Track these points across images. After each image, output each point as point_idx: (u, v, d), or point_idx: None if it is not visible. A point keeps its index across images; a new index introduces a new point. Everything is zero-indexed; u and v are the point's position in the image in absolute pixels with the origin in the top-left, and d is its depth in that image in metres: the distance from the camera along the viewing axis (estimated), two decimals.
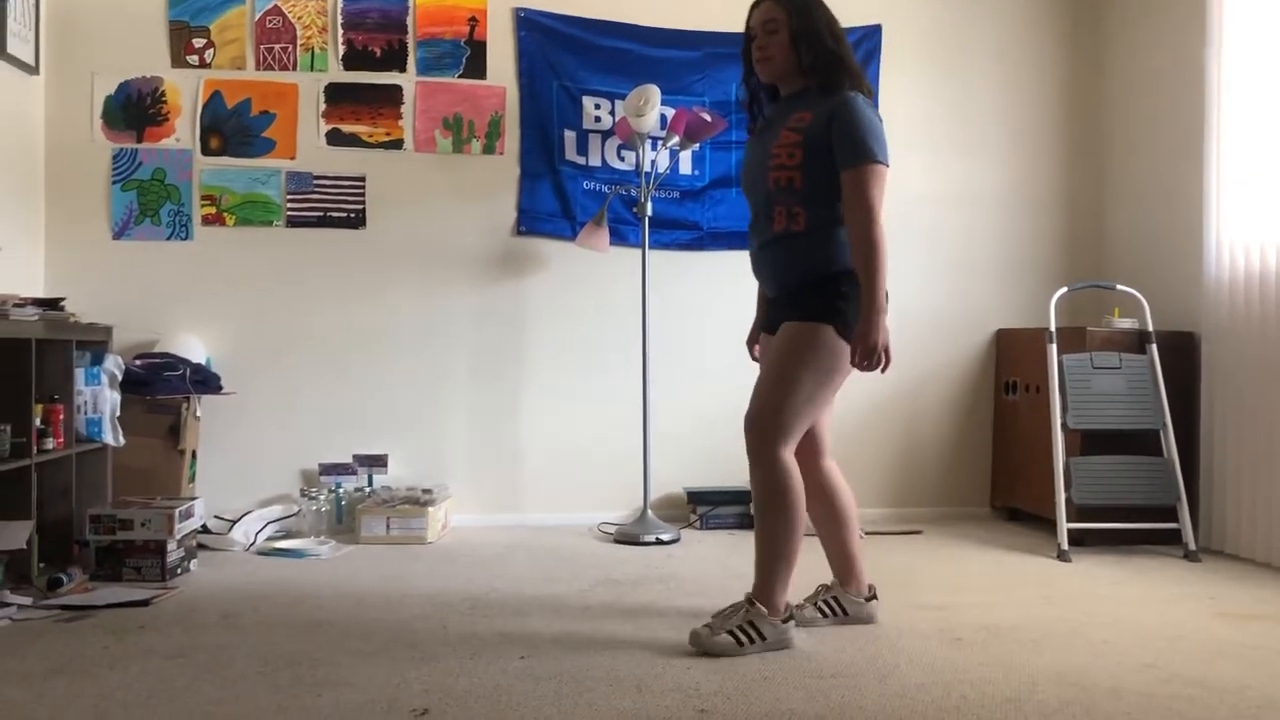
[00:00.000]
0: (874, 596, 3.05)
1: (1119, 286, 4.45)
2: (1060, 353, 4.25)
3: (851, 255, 2.72)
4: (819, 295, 2.75)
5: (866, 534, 4.41)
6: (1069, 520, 4.07)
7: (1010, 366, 4.84)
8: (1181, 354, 4.35)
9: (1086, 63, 5.04)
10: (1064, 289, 4.45)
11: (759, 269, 2.95)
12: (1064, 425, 4.17)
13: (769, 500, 2.76)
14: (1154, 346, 4.24)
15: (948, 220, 4.95)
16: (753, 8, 2.91)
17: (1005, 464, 4.86)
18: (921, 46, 4.92)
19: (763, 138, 2.89)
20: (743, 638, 2.72)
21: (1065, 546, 4.00)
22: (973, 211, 4.97)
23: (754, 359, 3.14)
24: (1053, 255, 5.02)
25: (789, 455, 2.76)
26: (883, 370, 2.72)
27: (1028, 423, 4.63)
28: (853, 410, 4.85)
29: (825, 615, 2.99)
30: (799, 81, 2.86)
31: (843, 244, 2.76)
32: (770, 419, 2.74)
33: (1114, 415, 4.18)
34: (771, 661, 2.67)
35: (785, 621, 2.78)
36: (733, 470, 4.74)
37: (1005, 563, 3.96)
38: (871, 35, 4.84)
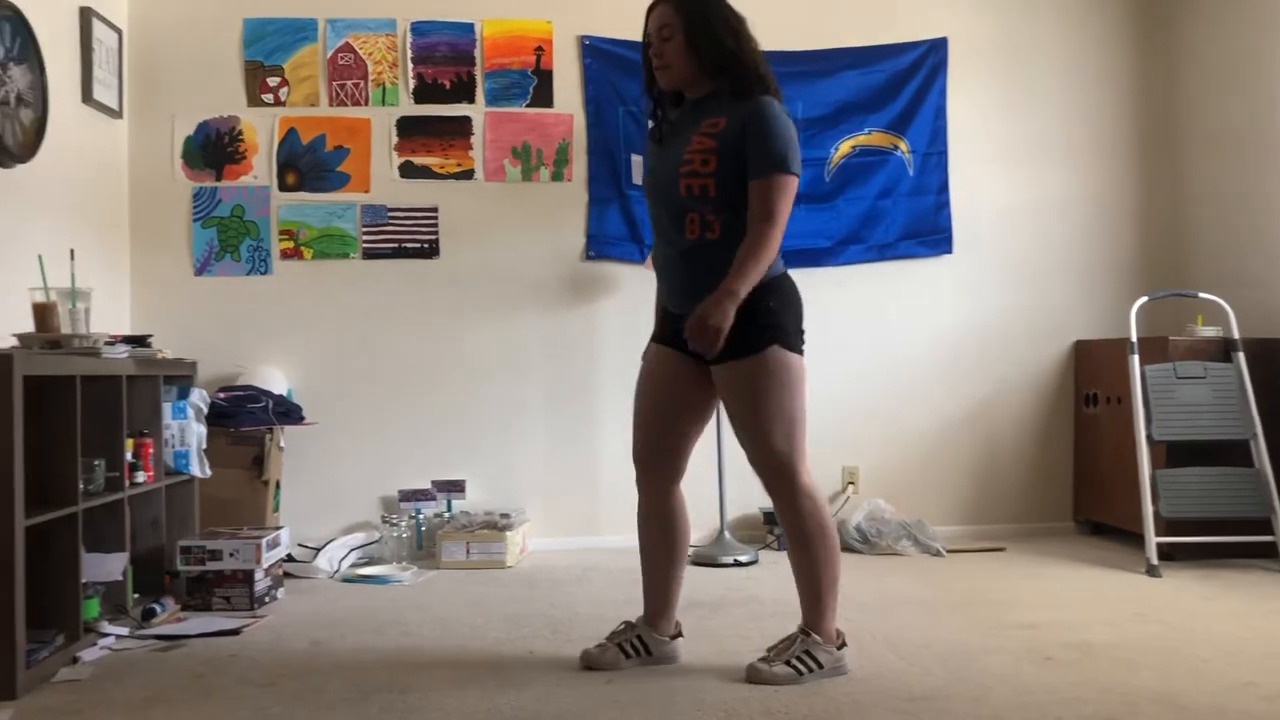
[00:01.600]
0: (679, 634, 2.91)
1: (1201, 294, 4.36)
2: (1142, 363, 4.17)
3: (742, 246, 2.59)
4: (751, 319, 2.61)
5: (949, 551, 4.36)
6: (1157, 534, 3.98)
7: (1090, 378, 4.76)
8: (1270, 361, 4.23)
9: (1159, 64, 4.95)
10: (1144, 298, 4.36)
11: (670, 281, 2.79)
12: (1149, 437, 4.08)
13: (813, 532, 2.70)
14: (1240, 354, 4.14)
15: (1022, 231, 4.88)
16: (649, 11, 2.75)
17: (1088, 477, 4.76)
18: (989, 56, 4.88)
19: (671, 144, 2.75)
20: (801, 667, 2.67)
21: (1155, 561, 3.91)
22: (1047, 221, 4.90)
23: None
24: (1131, 264, 4.93)
25: (810, 477, 2.71)
26: (713, 352, 2.57)
27: (1110, 435, 4.54)
28: (930, 425, 4.80)
29: (629, 656, 2.83)
30: (705, 85, 2.71)
31: None
32: (776, 457, 2.68)
33: (1201, 426, 4.08)
34: (860, 685, 2.64)
35: (840, 648, 2.74)
36: None
37: (1093, 579, 3.88)
38: (939, 48, 4.81)
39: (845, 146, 4.77)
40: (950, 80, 4.83)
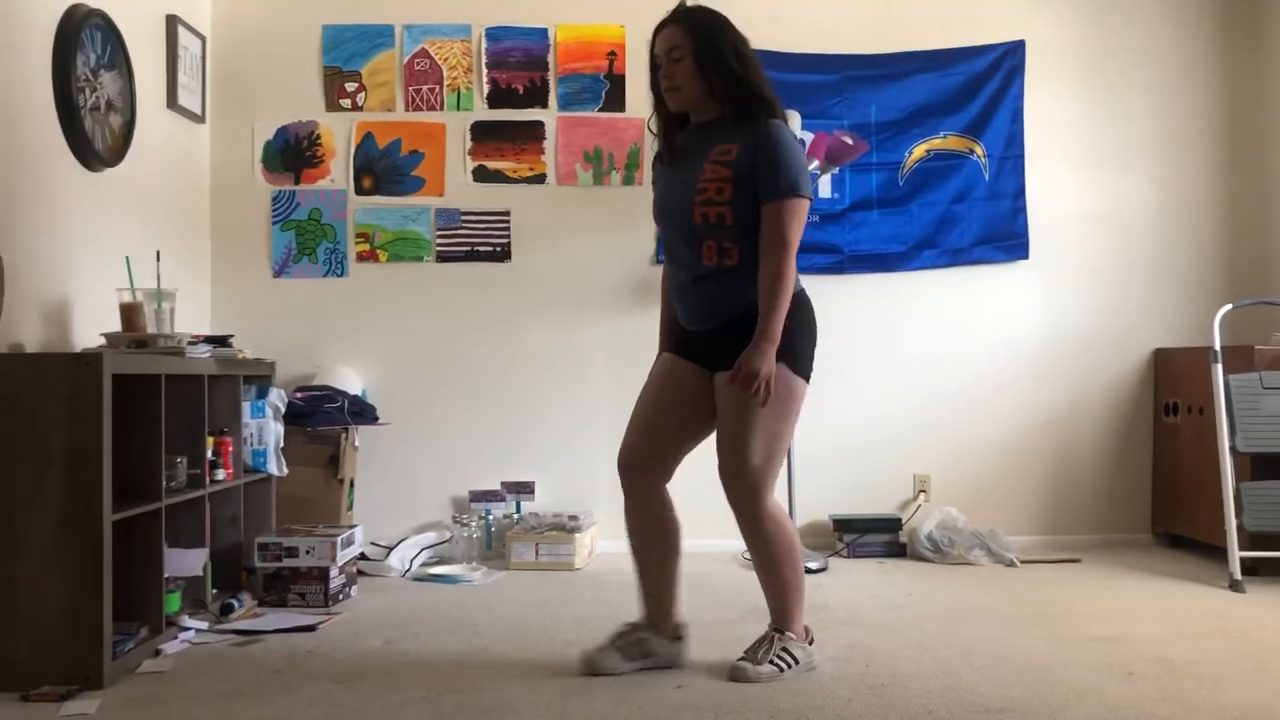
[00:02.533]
0: (681, 637, 2.90)
1: None
2: (1226, 372, 4.06)
3: (759, 281, 2.65)
4: None
5: (1023, 562, 4.29)
6: (1241, 548, 3.87)
7: (1170, 387, 4.65)
8: None
9: (1246, 63, 4.81)
10: (1229, 306, 4.24)
11: (688, 304, 2.80)
12: (1233, 449, 3.97)
13: (774, 548, 2.76)
14: None
15: (1101, 236, 4.79)
16: (655, 33, 2.76)
17: (1167, 489, 4.66)
18: (1068, 58, 4.79)
19: (681, 168, 2.75)
20: (781, 664, 2.75)
21: (1238, 576, 3.81)
22: (1127, 226, 4.80)
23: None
24: (1214, 270, 4.81)
25: (773, 500, 2.75)
26: (763, 403, 2.64)
27: (1191, 446, 4.43)
28: (1004, 433, 4.73)
29: (632, 659, 2.81)
30: (713, 109, 2.73)
31: None
32: (752, 475, 2.69)
33: None
34: (935, 696, 2.61)
35: (810, 643, 2.85)
36: (879, 497, 4.68)
37: (1173, 592, 3.79)
38: (1016, 50, 4.74)
39: (919, 150, 4.72)
40: (1028, 83, 4.75)
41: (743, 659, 2.77)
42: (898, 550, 4.48)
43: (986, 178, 4.73)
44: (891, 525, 4.53)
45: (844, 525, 4.53)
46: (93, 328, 3.42)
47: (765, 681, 2.71)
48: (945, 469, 4.69)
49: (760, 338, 2.62)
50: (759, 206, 2.66)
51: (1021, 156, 4.74)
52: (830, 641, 3.10)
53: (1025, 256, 4.74)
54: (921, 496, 4.68)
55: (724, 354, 2.72)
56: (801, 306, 2.74)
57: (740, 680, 2.71)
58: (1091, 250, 4.79)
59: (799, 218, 2.66)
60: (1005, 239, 4.73)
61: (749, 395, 2.62)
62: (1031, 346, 4.76)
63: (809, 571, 4.12)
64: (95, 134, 3.51)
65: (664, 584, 2.90)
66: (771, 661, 2.74)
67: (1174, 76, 4.82)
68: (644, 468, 2.88)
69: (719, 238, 2.69)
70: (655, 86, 2.79)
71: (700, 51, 2.68)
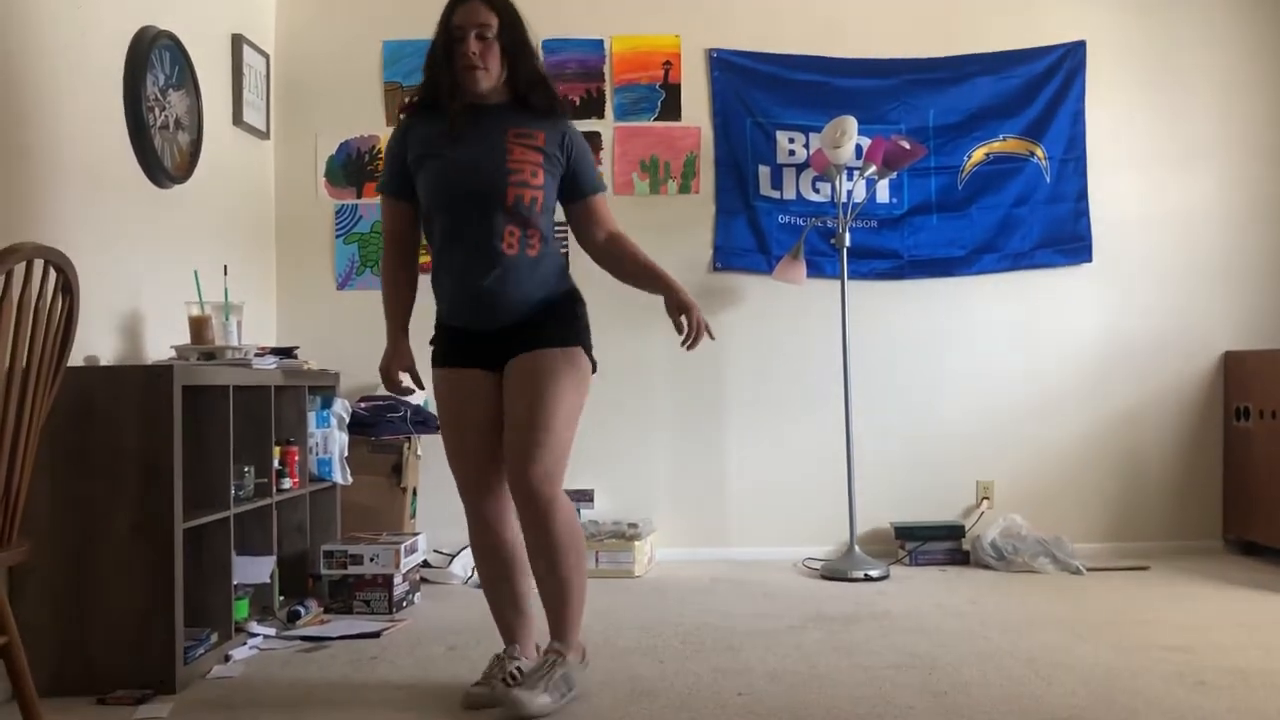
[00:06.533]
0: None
1: None
2: None
3: (640, 258, 2.79)
4: (561, 319, 2.68)
5: (1089, 569, 4.22)
6: None
7: (1242, 390, 4.55)
8: None
9: None
10: None
11: (475, 296, 2.64)
12: None
13: (572, 545, 2.59)
14: None
15: (1167, 237, 4.70)
16: (457, 3, 2.59)
17: (1239, 494, 4.55)
18: (1128, 57, 4.71)
19: (470, 148, 2.58)
20: (560, 694, 2.55)
21: None
22: (1194, 227, 4.71)
23: (392, 387, 2.87)
24: None
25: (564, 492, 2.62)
26: (705, 338, 2.77)
27: (1265, 450, 4.33)
28: (1069, 438, 4.66)
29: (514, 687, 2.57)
30: (502, 94, 2.63)
31: (564, 267, 2.81)
32: (553, 459, 2.54)
33: None
34: (1000, 704, 2.58)
35: (584, 663, 2.72)
36: (941, 505, 4.63)
37: (1246, 600, 3.71)
38: (1076, 51, 4.68)
39: (978, 154, 4.67)
40: (1089, 83, 4.68)
41: (521, 687, 2.52)
42: (960, 558, 4.43)
43: (1047, 180, 4.67)
44: (954, 532, 4.48)
45: (906, 532, 4.49)
46: (163, 340, 3.51)
47: (544, 715, 2.48)
48: (1009, 475, 4.64)
49: (678, 288, 2.74)
50: (552, 197, 2.68)
51: (1083, 158, 4.68)
52: (892, 649, 3.08)
53: (1088, 259, 4.67)
54: (985, 503, 4.63)
55: (516, 344, 2.62)
56: (582, 299, 2.79)
57: (519, 714, 2.45)
58: (1157, 251, 4.71)
59: None
60: (1067, 242, 4.67)
61: (703, 330, 2.73)
62: (1096, 350, 4.68)
63: (869, 579, 4.13)
64: (164, 152, 3.60)
65: (528, 607, 2.77)
66: (548, 690, 2.52)
67: (1239, 69, 4.71)
68: (490, 491, 2.71)
69: (524, 224, 2.60)
70: (445, 57, 2.59)
71: (508, 36, 2.58)
